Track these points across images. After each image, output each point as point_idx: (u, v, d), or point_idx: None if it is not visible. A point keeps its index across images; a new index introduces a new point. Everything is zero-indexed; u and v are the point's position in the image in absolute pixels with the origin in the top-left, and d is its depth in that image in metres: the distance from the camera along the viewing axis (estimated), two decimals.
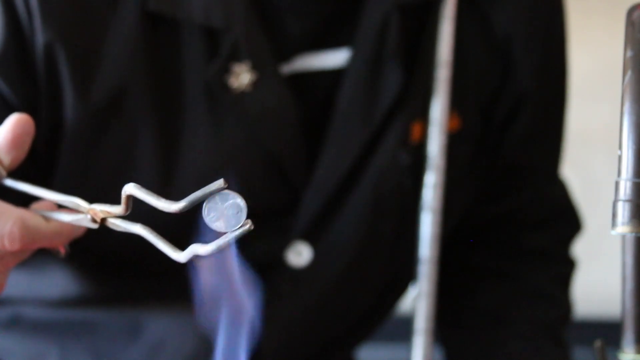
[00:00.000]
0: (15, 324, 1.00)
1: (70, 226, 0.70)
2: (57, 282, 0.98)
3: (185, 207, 0.57)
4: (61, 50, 0.86)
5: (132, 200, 0.61)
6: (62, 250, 0.75)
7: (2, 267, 0.71)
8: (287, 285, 0.97)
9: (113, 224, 0.63)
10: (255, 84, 0.91)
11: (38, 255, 0.96)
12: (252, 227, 0.56)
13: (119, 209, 0.62)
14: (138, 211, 0.62)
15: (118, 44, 0.88)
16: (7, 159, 0.72)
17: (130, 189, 0.60)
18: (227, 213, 0.56)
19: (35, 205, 0.74)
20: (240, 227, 0.56)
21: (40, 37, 0.86)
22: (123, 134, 0.90)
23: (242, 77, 0.91)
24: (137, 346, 0.97)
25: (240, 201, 0.56)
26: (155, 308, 0.97)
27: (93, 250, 0.93)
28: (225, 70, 0.90)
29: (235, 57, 0.90)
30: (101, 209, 0.64)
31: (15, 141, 0.72)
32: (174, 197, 0.90)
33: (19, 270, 0.97)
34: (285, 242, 0.96)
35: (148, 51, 0.89)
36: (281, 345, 0.97)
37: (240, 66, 0.91)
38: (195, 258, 0.58)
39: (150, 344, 0.97)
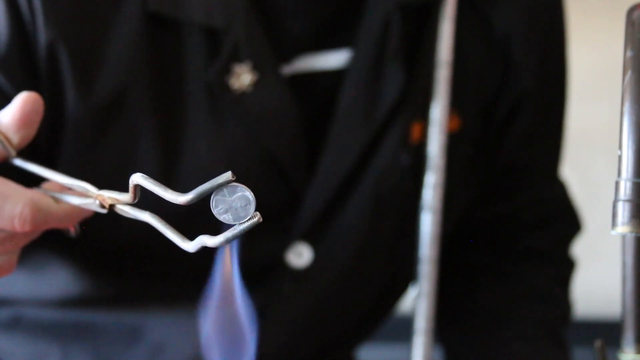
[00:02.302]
0: (16, 324, 1.00)
1: (80, 208, 0.70)
2: (58, 283, 0.98)
3: (193, 199, 0.56)
4: (63, 49, 0.87)
5: (140, 189, 0.60)
6: (72, 230, 0.75)
7: (13, 247, 0.71)
8: (288, 286, 0.97)
9: (122, 210, 0.63)
10: (256, 85, 0.91)
11: (39, 255, 0.96)
12: (261, 220, 0.56)
13: (126, 197, 0.62)
14: (146, 200, 0.62)
15: (119, 44, 0.88)
16: (15, 138, 0.71)
17: (138, 178, 0.59)
18: (235, 205, 0.55)
19: (45, 186, 0.74)
20: (249, 219, 0.56)
21: (42, 36, 0.86)
22: (124, 133, 0.90)
23: (242, 77, 0.91)
24: (138, 348, 0.97)
25: (248, 194, 0.55)
26: (156, 310, 0.97)
27: (94, 249, 0.93)
28: (226, 71, 0.90)
29: (236, 57, 0.90)
30: (109, 196, 0.64)
31: (24, 120, 0.71)
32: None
33: (19, 270, 0.98)
34: (285, 243, 0.96)
35: (149, 51, 0.89)
36: (282, 346, 0.97)
37: (241, 67, 0.91)
38: (203, 248, 0.58)
39: (151, 346, 0.97)
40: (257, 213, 0.56)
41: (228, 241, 0.56)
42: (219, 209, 0.56)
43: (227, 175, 0.55)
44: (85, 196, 0.67)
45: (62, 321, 0.99)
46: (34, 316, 1.00)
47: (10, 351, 1.00)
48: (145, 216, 0.61)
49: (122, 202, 0.63)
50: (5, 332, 1.01)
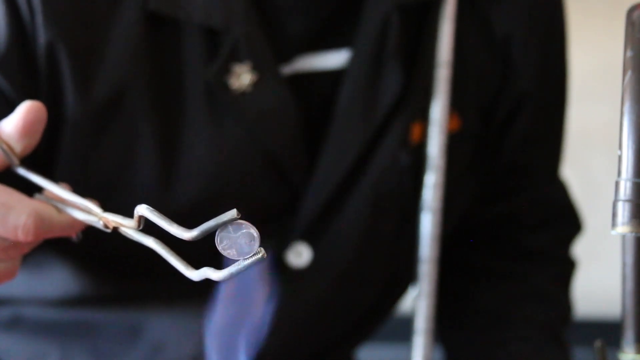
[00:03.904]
0: (15, 324, 1.00)
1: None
2: (58, 282, 0.98)
3: (198, 236, 0.57)
4: (62, 49, 0.87)
5: (145, 218, 0.61)
6: (74, 237, 0.75)
7: (15, 254, 0.71)
8: (287, 286, 0.97)
9: (126, 232, 0.63)
10: (255, 85, 0.91)
11: (39, 254, 0.96)
12: (266, 256, 0.57)
13: (130, 223, 0.62)
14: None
15: (119, 44, 0.88)
16: (18, 147, 0.72)
17: (143, 210, 0.60)
18: (239, 242, 0.56)
19: (47, 193, 0.74)
20: (253, 255, 0.56)
21: (41, 36, 0.86)
22: (123, 133, 0.90)
23: (242, 77, 0.91)
24: (138, 347, 0.97)
25: (253, 231, 0.56)
26: (155, 309, 0.97)
27: (95, 250, 0.93)
28: (226, 71, 0.90)
29: (236, 57, 0.90)
30: (113, 219, 0.64)
31: (26, 128, 0.71)
32: (174, 196, 0.90)
33: (19, 269, 0.98)
34: (285, 243, 0.96)
35: (149, 51, 0.89)
36: (281, 346, 0.97)
37: (241, 66, 0.91)
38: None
39: (151, 345, 0.97)
40: (262, 249, 0.57)
41: (232, 276, 0.57)
42: (224, 245, 0.57)
43: (232, 213, 0.56)
44: (89, 213, 0.68)
45: (62, 320, 0.99)
46: (34, 315, 1.00)
47: (10, 350, 1.00)
48: (150, 242, 0.62)
49: (126, 227, 0.63)
50: (4, 332, 1.01)
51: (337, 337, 1.05)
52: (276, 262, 0.96)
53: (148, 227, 0.62)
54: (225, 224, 0.56)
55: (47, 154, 0.89)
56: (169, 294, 0.96)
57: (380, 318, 1.09)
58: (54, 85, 0.88)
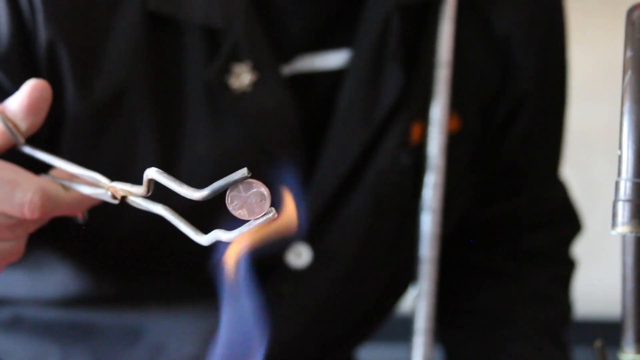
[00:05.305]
0: (15, 324, 1.00)
1: (89, 196, 0.70)
2: (58, 282, 0.97)
3: (208, 195, 0.56)
4: (63, 48, 0.87)
5: (154, 183, 0.60)
6: (80, 216, 0.75)
7: (22, 232, 0.71)
8: (287, 287, 0.97)
9: (134, 202, 0.63)
10: (255, 85, 0.91)
11: (39, 254, 0.96)
12: (276, 215, 0.56)
13: (139, 190, 0.62)
14: (159, 192, 0.61)
15: (119, 43, 0.88)
16: (23, 125, 0.72)
17: (152, 173, 0.59)
18: (250, 201, 0.55)
19: (53, 172, 0.74)
20: (264, 215, 0.56)
21: (42, 35, 0.86)
22: (123, 132, 0.90)
23: (242, 77, 0.91)
24: (138, 348, 0.97)
25: (264, 190, 0.56)
26: (156, 310, 0.97)
27: (94, 249, 0.93)
28: (226, 71, 0.90)
29: (236, 57, 0.90)
30: (121, 188, 0.64)
31: (31, 107, 0.71)
32: (174, 196, 0.90)
33: (19, 270, 0.98)
34: (285, 244, 0.96)
35: (149, 50, 0.89)
36: (282, 346, 0.97)
37: (241, 66, 0.91)
38: (217, 244, 0.58)
39: (151, 346, 0.97)
40: (272, 209, 0.56)
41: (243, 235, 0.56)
42: (235, 205, 0.56)
43: (243, 171, 0.56)
44: (96, 186, 0.67)
45: (62, 321, 0.99)
46: (34, 316, 1.00)
47: (10, 351, 1.00)
48: (158, 209, 0.61)
49: (134, 195, 0.62)
50: (5, 332, 1.01)
51: (337, 337, 1.05)
52: (276, 263, 0.96)
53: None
54: (235, 183, 0.55)
55: (48, 152, 0.89)
56: (169, 294, 0.96)
57: (380, 318, 1.09)
58: (54, 83, 0.87)
